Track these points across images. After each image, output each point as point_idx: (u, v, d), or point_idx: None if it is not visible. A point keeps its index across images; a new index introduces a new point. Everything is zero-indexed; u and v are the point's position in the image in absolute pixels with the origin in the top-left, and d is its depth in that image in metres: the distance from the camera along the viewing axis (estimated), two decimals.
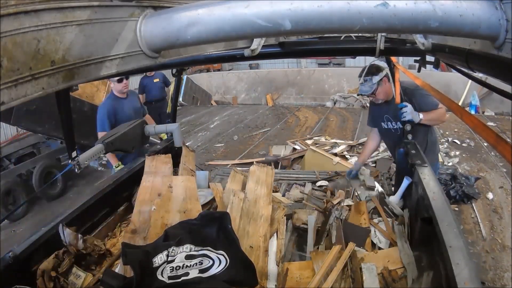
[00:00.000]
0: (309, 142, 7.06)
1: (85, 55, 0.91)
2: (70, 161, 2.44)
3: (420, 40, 1.59)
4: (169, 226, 2.36)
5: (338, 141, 7.07)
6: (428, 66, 2.11)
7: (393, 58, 2.87)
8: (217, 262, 1.92)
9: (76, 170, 2.42)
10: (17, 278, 2.03)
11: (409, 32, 1.74)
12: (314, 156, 5.70)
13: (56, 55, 0.83)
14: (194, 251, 1.96)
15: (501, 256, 3.61)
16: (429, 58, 2.01)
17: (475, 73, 1.28)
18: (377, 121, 3.39)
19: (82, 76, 0.92)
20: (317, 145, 6.71)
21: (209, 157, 6.93)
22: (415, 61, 2.16)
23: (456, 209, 4.48)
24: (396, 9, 0.90)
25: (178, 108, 3.77)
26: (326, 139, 7.34)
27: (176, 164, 3.56)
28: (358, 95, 3.43)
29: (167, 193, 2.67)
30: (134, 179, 3.11)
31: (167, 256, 1.92)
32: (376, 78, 3.00)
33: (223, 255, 1.96)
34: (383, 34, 2.02)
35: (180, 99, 12.33)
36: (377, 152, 5.80)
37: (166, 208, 2.56)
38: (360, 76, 3.07)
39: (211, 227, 2.10)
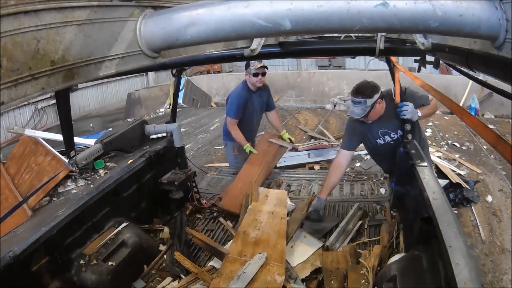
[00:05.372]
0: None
1: (84, 55, 0.92)
2: (68, 160, 2.45)
3: (420, 40, 1.59)
4: (258, 221, 3.02)
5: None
6: (427, 68, 2.11)
7: (393, 58, 2.86)
8: None
9: (74, 169, 2.44)
10: (17, 278, 2.04)
11: (409, 32, 1.74)
12: None
13: (55, 55, 0.83)
14: None
15: (500, 259, 3.60)
16: (429, 58, 2.01)
17: (475, 73, 1.29)
18: (368, 141, 3.14)
19: (82, 76, 0.92)
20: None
21: (210, 159, 6.90)
22: (415, 61, 2.16)
23: (456, 212, 4.47)
24: (396, 9, 0.90)
25: (178, 110, 3.76)
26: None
27: (175, 164, 3.57)
28: (348, 115, 3.10)
29: (262, 198, 3.42)
30: (134, 179, 3.11)
31: None
32: (370, 101, 2.76)
33: None
34: (383, 34, 2.02)
35: (180, 101, 12.32)
36: None
37: (260, 208, 3.25)
38: (353, 94, 2.83)
39: None
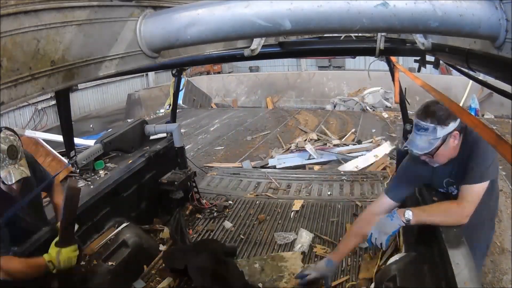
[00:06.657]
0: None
1: (84, 55, 0.91)
2: (68, 160, 2.45)
3: (420, 40, 1.59)
4: None
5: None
6: (427, 68, 2.11)
7: (393, 58, 2.85)
8: None
9: (74, 169, 2.44)
10: None
11: (409, 32, 1.74)
12: None
13: (55, 55, 0.83)
14: None
15: (500, 259, 3.59)
16: (429, 58, 2.01)
17: (475, 73, 1.28)
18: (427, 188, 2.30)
19: (82, 76, 0.92)
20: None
21: (209, 160, 6.89)
22: (415, 61, 2.16)
23: None
24: (396, 9, 0.90)
25: (178, 110, 3.76)
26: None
27: (176, 164, 3.57)
28: (405, 148, 2.04)
29: None
30: (134, 179, 3.11)
31: None
32: (443, 131, 1.86)
33: None
34: (383, 34, 2.02)
35: (180, 101, 12.31)
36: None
37: None
38: (419, 117, 1.91)
39: None
